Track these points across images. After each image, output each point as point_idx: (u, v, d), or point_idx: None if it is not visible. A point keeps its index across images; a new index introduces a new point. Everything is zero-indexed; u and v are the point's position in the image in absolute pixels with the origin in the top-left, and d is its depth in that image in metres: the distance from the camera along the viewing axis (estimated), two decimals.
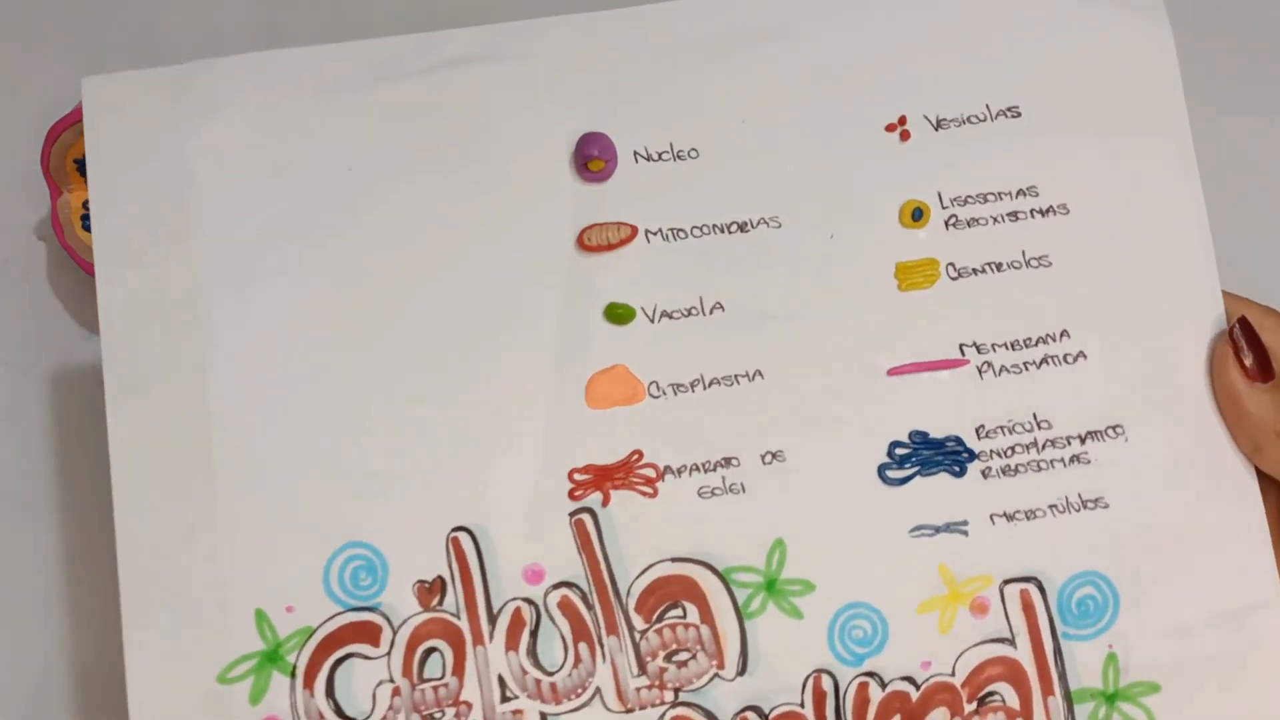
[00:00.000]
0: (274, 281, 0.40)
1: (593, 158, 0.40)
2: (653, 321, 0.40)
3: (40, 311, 0.55)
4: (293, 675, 0.38)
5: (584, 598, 0.39)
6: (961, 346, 0.40)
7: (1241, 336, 0.38)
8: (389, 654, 0.38)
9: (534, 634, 0.39)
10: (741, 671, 0.39)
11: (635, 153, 0.41)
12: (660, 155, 0.41)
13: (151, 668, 0.38)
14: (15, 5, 0.58)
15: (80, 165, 0.52)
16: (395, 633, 0.38)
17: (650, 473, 0.39)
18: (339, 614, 0.38)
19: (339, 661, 0.38)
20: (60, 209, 0.52)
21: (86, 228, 0.53)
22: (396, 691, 0.38)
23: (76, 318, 0.55)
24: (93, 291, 0.53)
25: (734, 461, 0.40)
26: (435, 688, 0.38)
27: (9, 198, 0.55)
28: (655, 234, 0.40)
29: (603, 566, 0.39)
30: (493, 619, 0.39)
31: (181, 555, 0.38)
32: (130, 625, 0.38)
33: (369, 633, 0.38)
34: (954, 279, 0.41)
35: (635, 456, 0.39)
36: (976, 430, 0.40)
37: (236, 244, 0.40)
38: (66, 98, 0.54)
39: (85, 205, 0.52)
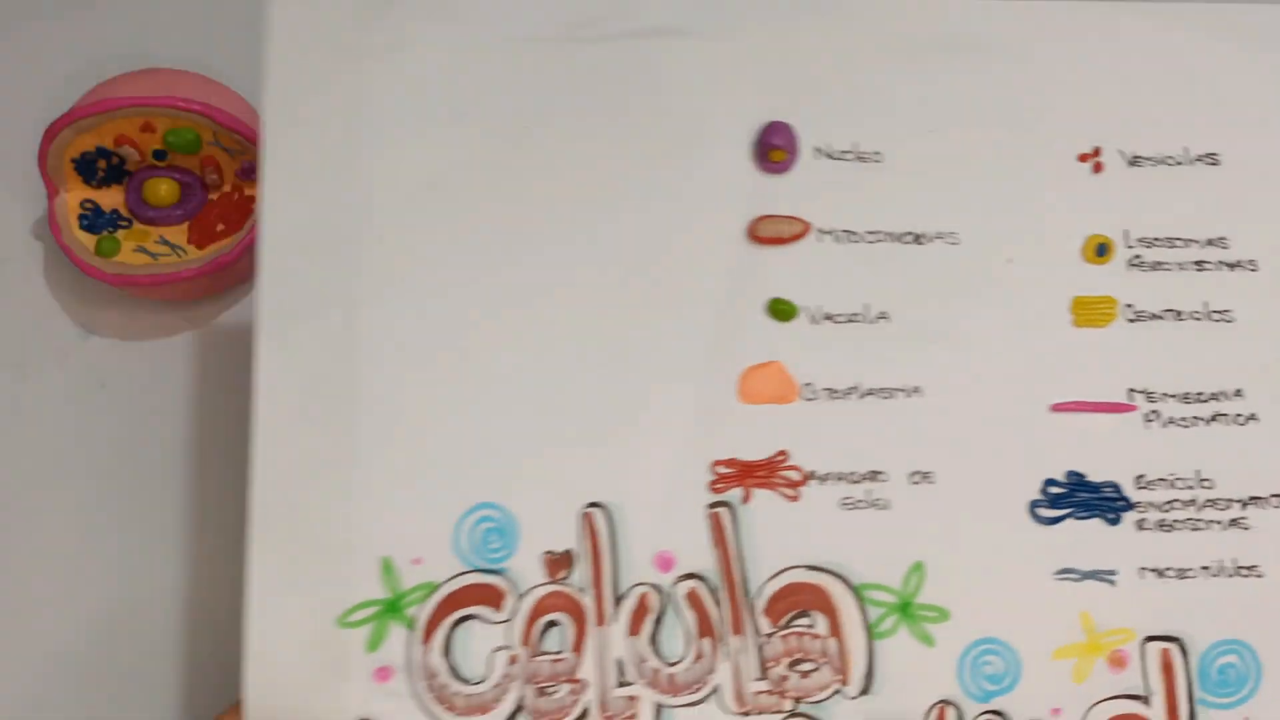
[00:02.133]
0: (437, 230, 0.41)
1: (775, 147, 0.41)
2: (814, 322, 0.41)
3: (38, 311, 0.57)
4: (411, 628, 0.40)
5: (712, 593, 0.40)
6: (1131, 392, 0.41)
7: None
8: (510, 621, 0.40)
9: (658, 622, 0.40)
10: (865, 691, 0.40)
11: (817, 148, 0.42)
12: (843, 154, 0.42)
13: (272, 601, 0.40)
14: (14, 5, 0.60)
15: (77, 164, 0.54)
16: (519, 600, 0.40)
17: (794, 475, 0.41)
18: (465, 573, 0.40)
19: (459, 621, 0.40)
20: (57, 208, 0.54)
21: (84, 227, 0.55)
22: (514, 659, 0.40)
23: (74, 317, 0.57)
24: (92, 291, 0.56)
25: (881, 476, 0.41)
26: (552, 661, 0.40)
27: (7, 197, 0.57)
28: (828, 233, 0.42)
29: (735, 564, 0.40)
30: (618, 600, 0.40)
31: (314, 490, 0.40)
32: (256, 554, 0.40)
33: (492, 596, 0.40)
34: (1131, 321, 0.41)
35: (780, 457, 0.41)
36: (1136, 479, 0.41)
37: (405, 187, 0.41)
38: (63, 97, 0.56)
39: (82, 205, 0.55)
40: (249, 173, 0.55)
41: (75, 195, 0.55)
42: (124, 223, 0.56)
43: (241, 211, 0.55)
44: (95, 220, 0.55)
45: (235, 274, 0.56)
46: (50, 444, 0.56)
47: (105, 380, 0.56)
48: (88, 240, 0.55)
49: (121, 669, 0.53)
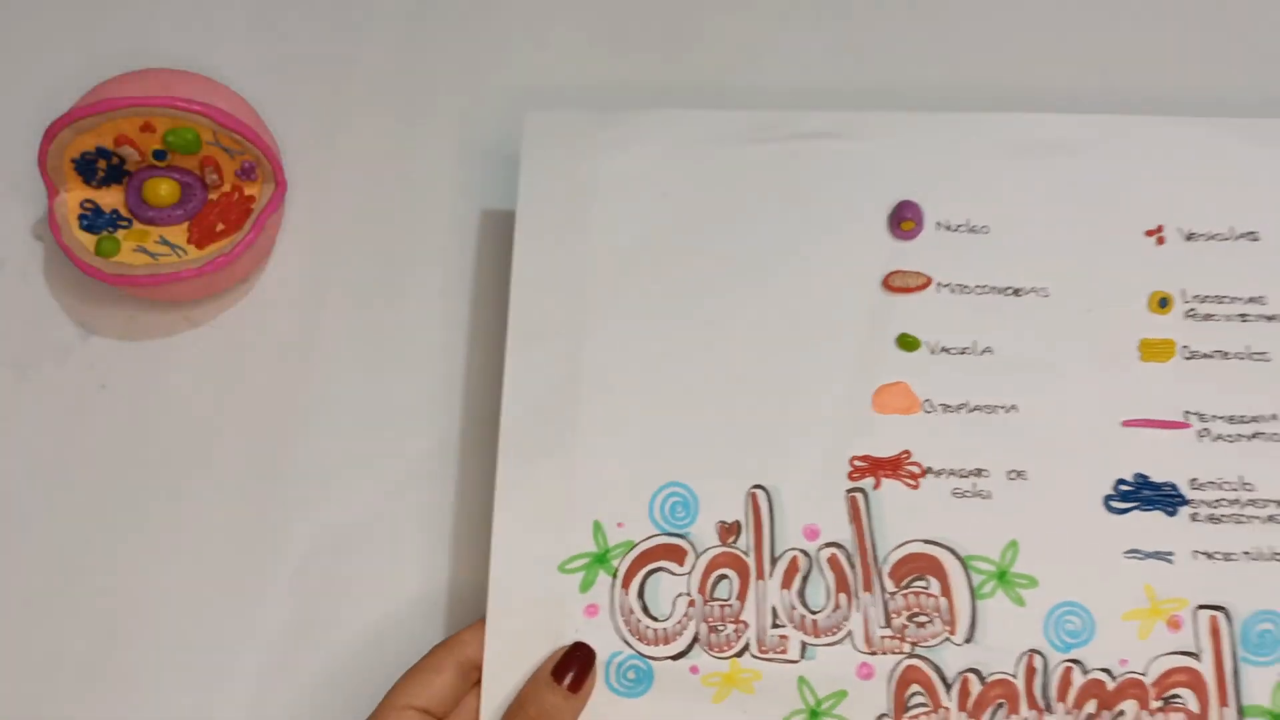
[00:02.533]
0: (645, 278, 0.54)
1: (906, 219, 0.53)
2: (933, 353, 0.53)
3: (38, 311, 0.58)
4: (615, 576, 0.51)
5: (848, 558, 0.51)
6: (1186, 413, 0.52)
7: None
8: (690, 573, 0.51)
9: (805, 579, 0.51)
10: (969, 640, 0.50)
11: (938, 222, 0.54)
12: (958, 227, 0.54)
13: (511, 550, 0.51)
14: (14, 5, 0.61)
15: (77, 164, 0.54)
16: (697, 558, 0.51)
17: (915, 469, 0.52)
18: (656, 535, 0.51)
19: (651, 572, 0.51)
20: (57, 208, 0.54)
21: (84, 227, 0.55)
22: (692, 603, 0.51)
23: (74, 317, 0.58)
24: (92, 291, 0.57)
25: (984, 473, 0.51)
26: (721, 606, 0.51)
27: (7, 198, 0.59)
28: (945, 286, 0.53)
29: (867, 536, 0.51)
30: (774, 561, 0.51)
31: (545, 467, 0.52)
32: (500, 516, 0.51)
33: (677, 554, 0.51)
34: (1187, 359, 0.52)
35: (905, 455, 0.52)
36: (1190, 481, 0.51)
37: (623, 246, 0.54)
38: (63, 97, 0.57)
39: (82, 205, 0.54)
40: (249, 172, 0.55)
41: (75, 195, 0.55)
42: (124, 223, 0.55)
43: (241, 211, 0.55)
44: (95, 220, 0.55)
45: (234, 273, 0.56)
46: (50, 444, 0.56)
47: (105, 380, 0.57)
48: (87, 240, 0.55)
49: (122, 669, 0.54)
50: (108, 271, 0.54)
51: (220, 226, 0.55)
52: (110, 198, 0.55)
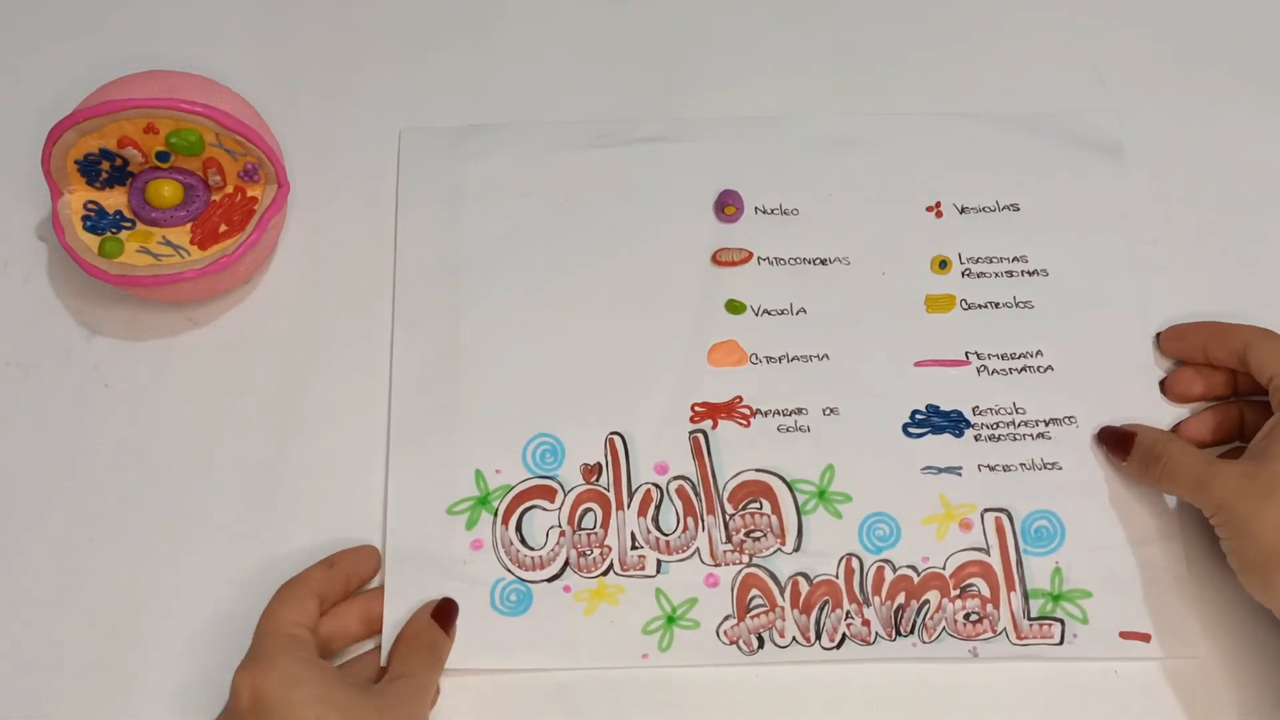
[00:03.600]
0: (511, 264, 0.63)
1: (728, 205, 0.63)
2: (757, 315, 0.62)
3: (42, 312, 0.59)
4: (495, 515, 0.59)
5: (693, 488, 0.60)
6: (967, 353, 0.62)
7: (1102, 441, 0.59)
8: (560, 509, 0.59)
9: (658, 508, 0.59)
10: (797, 549, 0.59)
11: (756, 207, 0.64)
12: (773, 210, 0.64)
13: (405, 497, 0.59)
14: (16, 6, 0.63)
15: (81, 166, 0.54)
16: (566, 495, 0.59)
17: (746, 411, 0.61)
18: (530, 478, 0.59)
19: (526, 509, 0.59)
20: (61, 209, 0.54)
21: (88, 228, 0.54)
22: (562, 534, 0.59)
23: (77, 318, 0.59)
24: (95, 292, 0.58)
25: (804, 411, 0.61)
26: (588, 534, 0.59)
27: (10, 199, 0.60)
28: (764, 259, 0.63)
29: (708, 468, 0.60)
30: (631, 494, 0.59)
31: (432, 427, 0.60)
32: (394, 470, 0.59)
33: (548, 493, 0.59)
34: (965, 309, 0.62)
35: (737, 400, 0.61)
36: (973, 409, 0.61)
37: (490, 237, 0.63)
38: (66, 98, 0.57)
39: (86, 206, 0.54)
40: (251, 174, 0.55)
41: (79, 196, 0.55)
42: (127, 224, 0.55)
43: (244, 212, 0.55)
44: (99, 221, 0.55)
45: (236, 274, 0.56)
46: (54, 443, 0.57)
47: (108, 380, 0.58)
48: (91, 241, 0.55)
49: (124, 668, 0.55)
50: (111, 273, 0.54)
51: (223, 228, 0.55)
52: (113, 199, 0.55)
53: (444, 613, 0.56)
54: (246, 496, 0.58)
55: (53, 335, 0.59)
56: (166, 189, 0.55)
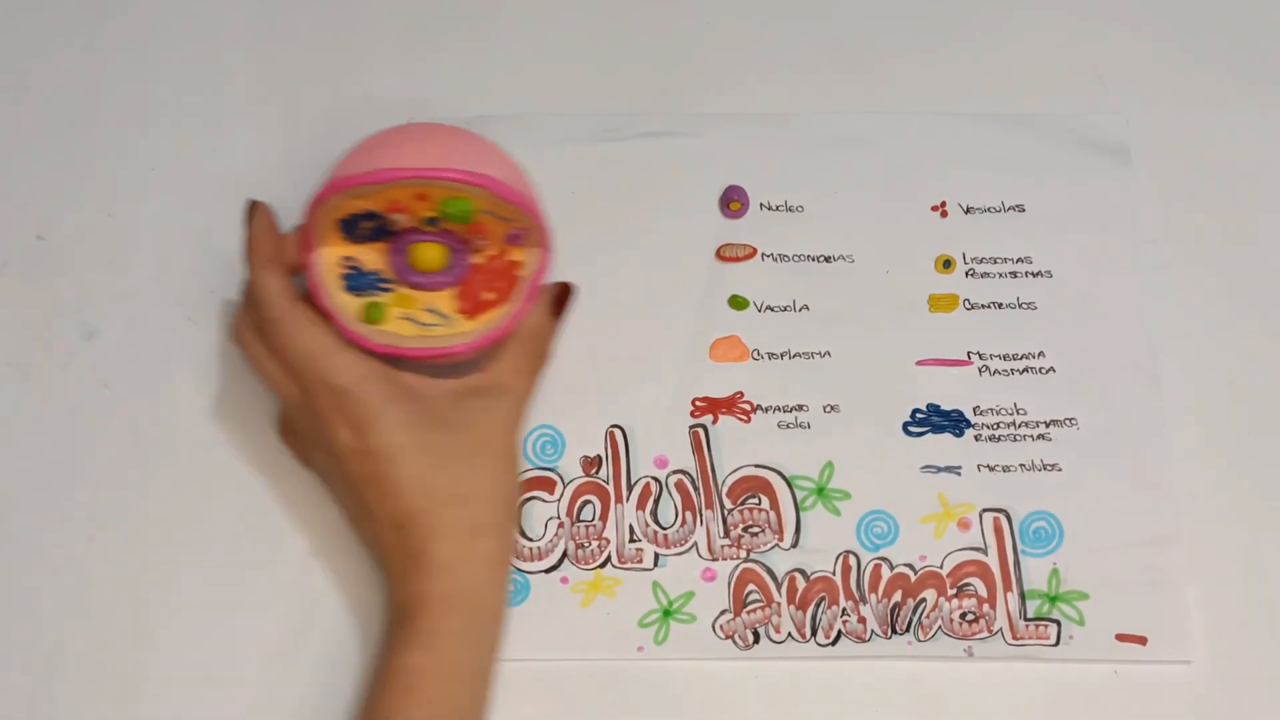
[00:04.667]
0: None
1: (734, 201, 0.63)
2: (759, 311, 0.62)
3: (41, 312, 0.58)
4: None
5: (693, 482, 0.60)
6: (969, 353, 0.62)
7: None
8: (559, 500, 0.59)
9: (656, 501, 0.59)
10: (794, 545, 0.59)
11: (761, 203, 0.64)
12: (778, 206, 0.64)
13: None
14: (15, 6, 0.64)
15: (343, 225, 0.52)
16: (565, 487, 0.59)
17: (747, 407, 0.61)
18: (530, 470, 0.60)
19: (525, 500, 0.59)
20: (316, 265, 0.53)
21: (349, 288, 0.53)
22: (561, 525, 0.59)
23: (77, 318, 0.59)
24: (95, 292, 0.59)
25: (804, 408, 0.61)
26: (586, 526, 0.59)
27: (9, 199, 0.60)
28: (768, 255, 0.63)
29: (708, 462, 0.60)
30: (630, 487, 0.60)
31: None
32: None
33: (548, 485, 0.60)
34: (968, 309, 0.62)
35: (738, 395, 0.61)
36: (974, 409, 0.61)
37: None
38: (66, 98, 0.61)
39: (343, 263, 0.53)
40: (516, 239, 0.54)
41: (334, 251, 0.53)
42: (385, 285, 0.53)
43: (507, 278, 0.54)
44: (358, 281, 0.53)
45: (499, 341, 0.54)
46: (53, 444, 0.57)
47: (108, 380, 0.58)
48: (353, 305, 0.53)
49: (125, 667, 0.55)
50: (375, 340, 0.52)
51: (488, 295, 0.54)
52: (371, 257, 0.53)
53: (562, 301, 0.55)
54: (246, 496, 0.58)
55: (53, 335, 0.59)
56: (431, 253, 0.53)
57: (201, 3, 0.65)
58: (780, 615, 0.57)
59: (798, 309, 0.62)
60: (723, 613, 0.57)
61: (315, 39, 0.66)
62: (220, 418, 0.59)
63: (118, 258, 0.61)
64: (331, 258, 0.53)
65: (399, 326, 0.53)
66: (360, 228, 0.53)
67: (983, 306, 0.62)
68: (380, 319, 0.52)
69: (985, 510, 0.59)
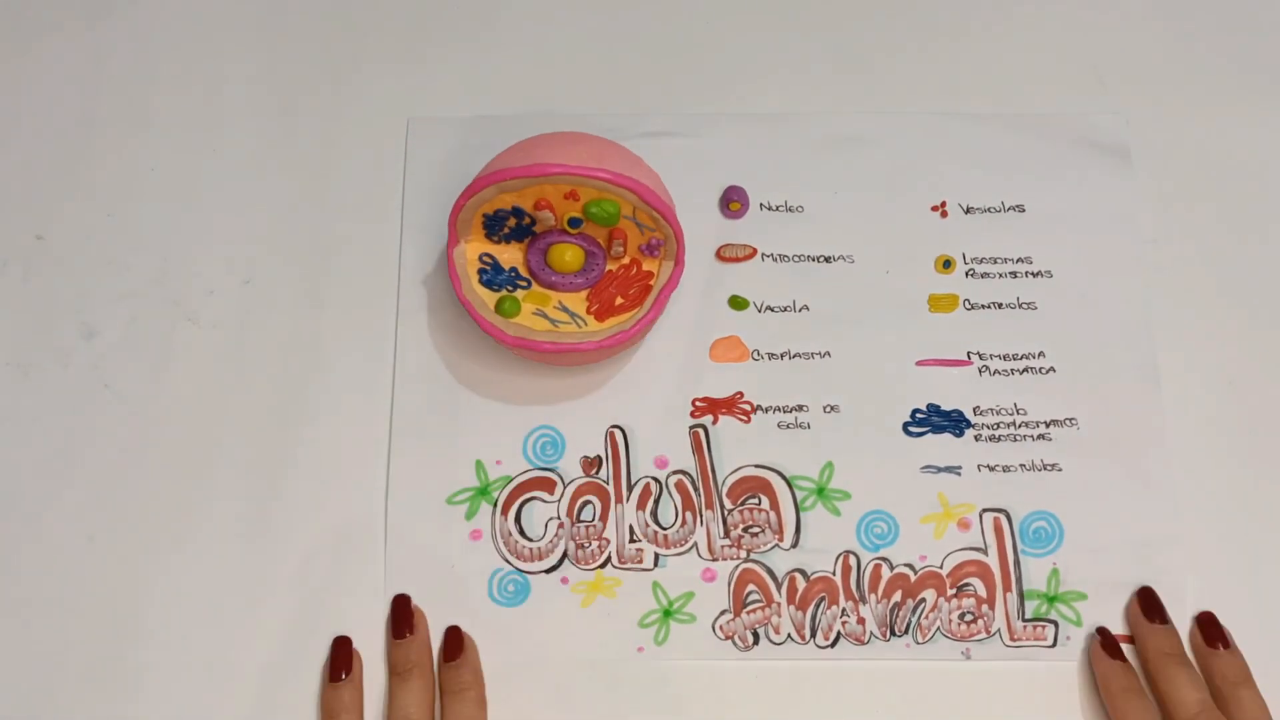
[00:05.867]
0: None
1: (734, 201, 0.63)
2: (760, 311, 0.62)
3: (41, 311, 0.58)
4: (495, 505, 0.59)
5: (693, 482, 0.60)
6: (969, 353, 0.61)
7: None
8: (559, 501, 0.59)
9: (656, 501, 0.59)
10: (794, 545, 0.59)
11: (761, 204, 0.64)
12: (778, 207, 0.64)
13: (405, 488, 0.59)
14: (14, 5, 0.63)
15: (488, 220, 0.54)
16: (565, 487, 0.60)
17: (747, 407, 0.61)
18: (530, 470, 0.60)
19: (526, 501, 0.59)
20: (456, 259, 0.55)
21: (484, 282, 0.55)
22: (561, 525, 0.59)
23: (77, 318, 0.59)
24: (95, 292, 0.59)
25: (804, 408, 0.61)
26: (587, 526, 0.59)
27: (10, 199, 0.60)
28: (769, 256, 0.63)
29: (708, 463, 0.60)
30: (630, 487, 0.60)
31: (434, 418, 0.60)
32: (395, 460, 0.59)
33: (548, 485, 0.60)
34: (969, 309, 0.62)
35: (738, 395, 0.61)
36: (974, 409, 0.61)
37: None
38: (65, 98, 0.60)
39: (482, 259, 0.55)
40: (653, 249, 0.56)
41: (475, 247, 0.55)
42: (523, 283, 0.56)
43: (640, 287, 0.56)
44: (494, 277, 0.55)
45: (626, 347, 0.57)
46: (54, 443, 0.57)
47: (109, 380, 0.58)
48: (488, 297, 0.55)
49: (126, 667, 0.55)
50: (508, 333, 0.54)
51: (619, 300, 0.56)
52: (509, 255, 0.55)
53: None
54: (247, 496, 0.58)
55: (53, 335, 0.59)
56: (570, 254, 0.55)
57: (201, 3, 0.65)
58: (780, 616, 0.57)
59: (798, 309, 0.62)
60: (723, 613, 0.57)
61: (315, 39, 0.66)
62: (220, 418, 0.59)
63: (118, 258, 0.61)
64: (472, 253, 0.55)
65: (531, 321, 0.55)
66: (504, 225, 0.54)
67: (983, 307, 0.62)
68: (513, 313, 0.54)
69: (985, 510, 0.59)
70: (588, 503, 0.59)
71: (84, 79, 0.63)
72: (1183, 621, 0.57)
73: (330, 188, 0.63)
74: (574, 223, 0.55)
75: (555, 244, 0.55)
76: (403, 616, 0.56)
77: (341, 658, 0.55)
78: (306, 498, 0.58)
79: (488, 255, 0.56)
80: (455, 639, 0.56)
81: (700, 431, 0.60)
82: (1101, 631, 0.56)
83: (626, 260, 0.57)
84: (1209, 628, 0.55)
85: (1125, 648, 0.56)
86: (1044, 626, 0.57)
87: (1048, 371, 0.61)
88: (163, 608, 0.56)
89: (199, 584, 0.57)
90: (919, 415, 0.60)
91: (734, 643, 0.57)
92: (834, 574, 0.58)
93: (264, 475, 0.58)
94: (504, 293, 0.55)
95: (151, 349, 0.59)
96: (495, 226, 0.55)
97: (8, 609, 0.56)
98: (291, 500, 0.58)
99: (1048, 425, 0.60)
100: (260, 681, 0.56)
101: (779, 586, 0.58)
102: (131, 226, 0.62)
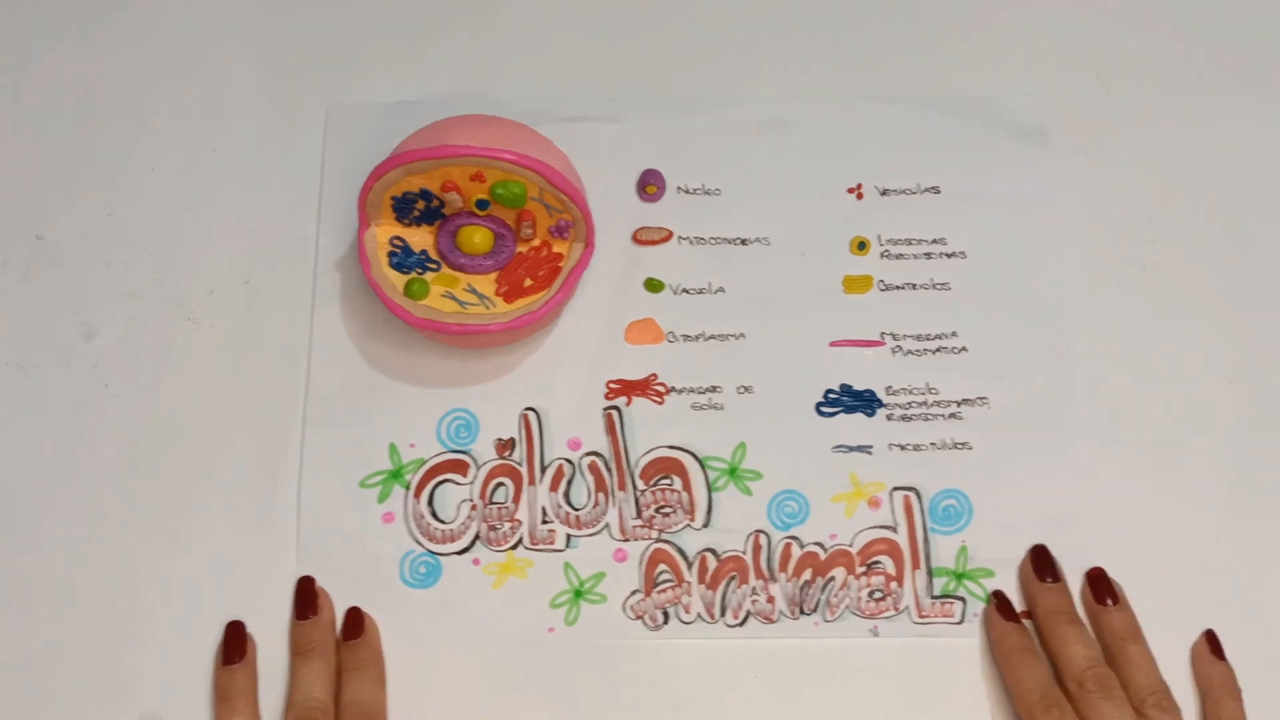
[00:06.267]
0: None
1: (650, 184, 0.64)
2: (675, 294, 0.62)
3: (41, 311, 0.59)
4: (408, 488, 0.59)
5: (606, 463, 0.60)
6: (882, 334, 0.62)
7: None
8: (472, 483, 0.60)
9: (569, 483, 0.59)
10: (706, 525, 0.59)
11: (678, 186, 0.64)
12: (694, 190, 0.64)
13: (319, 470, 0.59)
14: (13, 5, 0.64)
15: (396, 202, 0.55)
16: (478, 469, 0.60)
17: (661, 389, 0.61)
18: (443, 453, 0.60)
19: (439, 483, 0.59)
20: (367, 242, 0.55)
21: (393, 265, 0.55)
22: (474, 507, 0.59)
23: (77, 317, 0.59)
24: (95, 291, 0.59)
25: (718, 389, 0.61)
26: (499, 508, 0.59)
27: (9, 199, 0.61)
28: (685, 238, 0.63)
29: (621, 444, 0.60)
30: (543, 469, 0.60)
31: (347, 402, 0.60)
32: (309, 444, 0.59)
33: (461, 467, 0.60)
34: (883, 290, 0.62)
35: (653, 377, 0.61)
36: (886, 389, 0.61)
37: None
38: (65, 97, 0.61)
39: (393, 241, 0.55)
40: (562, 230, 0.56)
41: (385, 230, 0.55)
42: (433, 265, 0.56)
43: (549, 268, 0.56)
44: (404, 259, 0.55)
45: (534, 329, 0.57)
46: (54, 443, 0.57)
47: (109, 380, 0.58)
48: (397, 279, 0.55)
49: (126, 667, 0.55)
50: (416, 315, 0.54)
51: (528, 282, 0.56)
52: (420, 238, 0.56)
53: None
54: (247, 496, 0.58)
55: (53, 335, 0.59)
56: (478, 236, 0.55)
57: (201, 3, 0.65)
58: (690, 595, 0.57)
59: (714, 291, 0.62)
60: (634, 593, 0.58)
61: (315, 39, 0.66)
62: (220, 418, 0.59)
63: (118, 258, 0.61)
64: (383, 236, 0.55)
65: (439, 303, 0.55)
66: (413, 209, 0.54)
67: (897, 288, 0.62)
68: (422, 295, 0.54)
69: (896, 489, 0.59)
70: (500, 484, 0.59)
71: (84, 79, 0.63)
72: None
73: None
74: (482, 205, 0.55)
75: (464, 226, 0.56)
76: (306, 598, 0.56)
77: (235, 641, 0.55)
78: (305, 499, 0.58)
79: (398, 238, 0.56)
80: (356, 619, 0.56)
81: (614, 413, 0.60)
82: (997, 595, 0.56)
83: (537, 242, 0.57)
84: (1098, 584, 0.55)
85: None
86: (952, 604, 0.57)
87: (960, 351, 0.61)
88: (161, 607, 0.56)
89: (198, 584, 0.57)
90: (831, 395, 0.60)
91: (644, 622, 0.57)
92: (744, 553, 0.58)
93: (263, 475, 0.59)
94: (413, 275, 0.56)
95: (151, 349, 0.59)
96: (405, 209, 0.55)
97: (8, 609, 0.56)
98: (290, 500, 0.58)
99: (959, 404, 0.60)
100: (258, 681, 0.56)
101: (690, 566, 0.58)
102: (131, 226, 0.62)
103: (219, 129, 0.64)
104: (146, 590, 0.56)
